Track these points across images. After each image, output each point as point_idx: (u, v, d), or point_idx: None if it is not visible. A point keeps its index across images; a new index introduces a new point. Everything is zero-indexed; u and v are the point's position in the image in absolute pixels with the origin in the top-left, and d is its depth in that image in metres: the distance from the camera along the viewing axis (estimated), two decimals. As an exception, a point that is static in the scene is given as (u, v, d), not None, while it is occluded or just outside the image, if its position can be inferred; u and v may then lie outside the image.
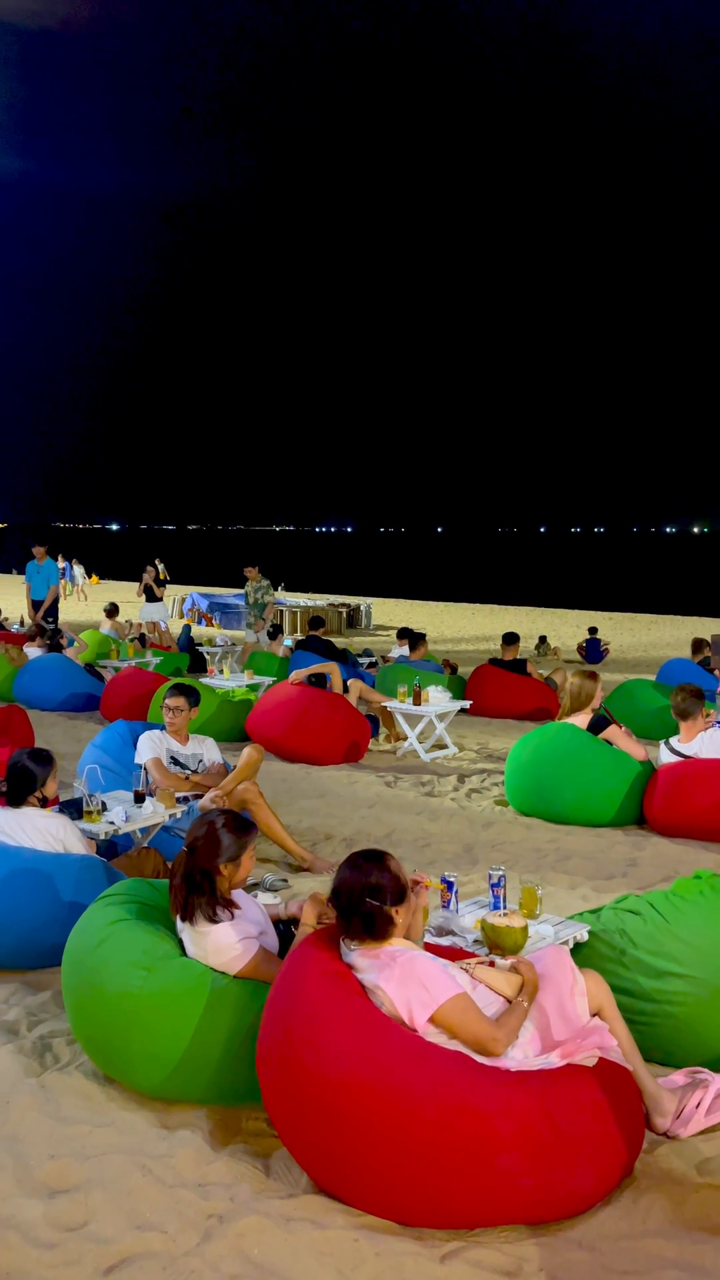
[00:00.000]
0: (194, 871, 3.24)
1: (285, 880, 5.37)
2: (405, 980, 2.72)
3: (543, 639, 18.03)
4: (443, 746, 9.01)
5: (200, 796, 5.74)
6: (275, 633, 14.06)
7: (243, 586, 15.08)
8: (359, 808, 6.98)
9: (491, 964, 3.10)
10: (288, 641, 13.52)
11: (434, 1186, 2.51)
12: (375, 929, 2.84)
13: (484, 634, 21.21)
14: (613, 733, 6.61)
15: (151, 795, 5.44)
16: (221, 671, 11.33)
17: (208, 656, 13.91)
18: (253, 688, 10.54)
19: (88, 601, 28.97)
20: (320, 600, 24.85)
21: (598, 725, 6.61)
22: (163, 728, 6.19)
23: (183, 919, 3.26)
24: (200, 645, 15.49)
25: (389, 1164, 2.51)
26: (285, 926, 3.51)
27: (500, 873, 3.92)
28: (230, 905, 3.28)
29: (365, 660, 13.18)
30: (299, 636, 14.85)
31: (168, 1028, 3.07)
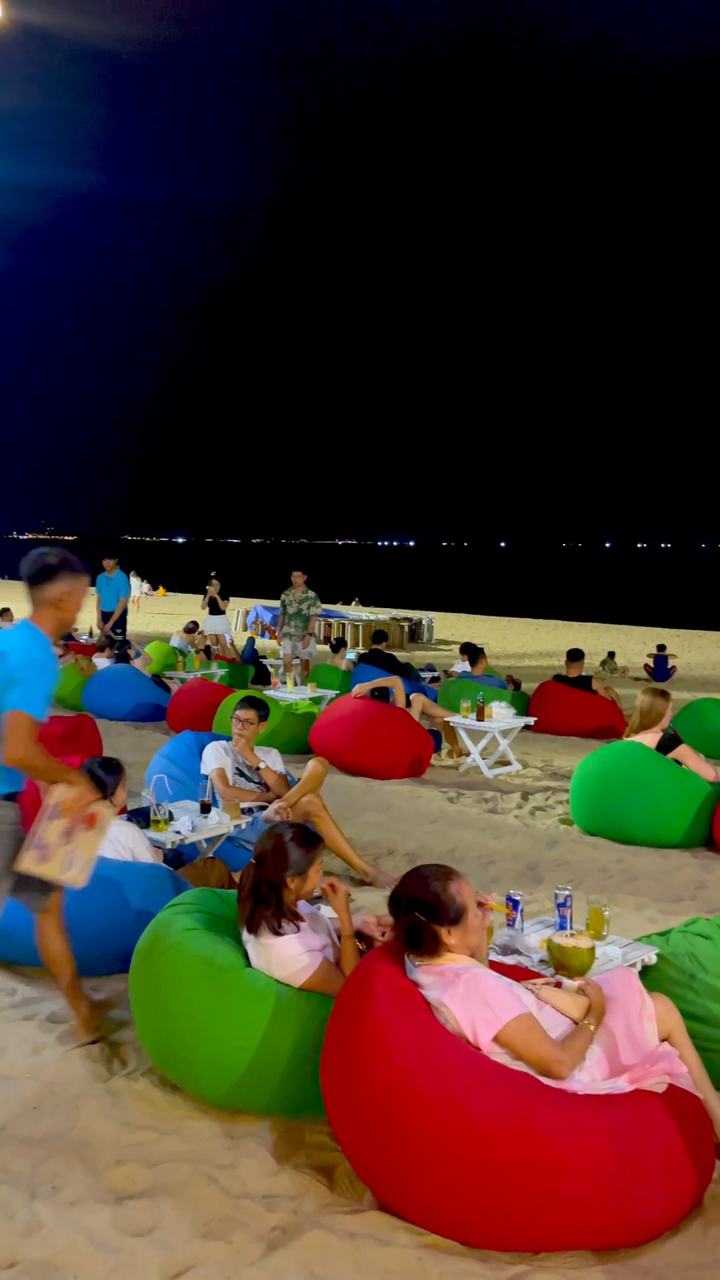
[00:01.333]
0: (261, 884, 3.27)
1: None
2: (469, 998, 2.71)
3: (610, 655, 17.80)
4: (506, 763, 8.95)
5: (265, 808, 5.79)
6: (338, 646, 14.12)
7: (297, 592, 13.36)
8: (421, 823, 6.96)
9: (558, 985, 3.07)
10: (350, 655, 13.56)
11: (499, 1208, 2.48)
12: (421, 943, 2.84)
13: (547, 650, 21.02)
14: (682, 752, 6.49)
15: (217, 805, 5.49)
16: (285, 684, 11.41)
17: (271, 669, 14.01)
18: (316, 701, 10.59)
19: (138, 610, 29.29)
20: (383, 614, 24.88)
21: (667, 744, 6.50)
22: (228, 739, 6.26)
23: (249, 931, 3.29)
24: (264, 658, 15.61)
25: (454, 1184, 2.50)
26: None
27: (567, 892, 3.88)
28: (296, 918, 3.30)
29: (428, 675, 13.16)
30: (361, 650, 14.87)
31: (233, 1038, 3.10)
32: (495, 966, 3.30)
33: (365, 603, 30.72)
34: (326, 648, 15.45)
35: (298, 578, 13.34)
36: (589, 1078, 2.75)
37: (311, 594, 13.45)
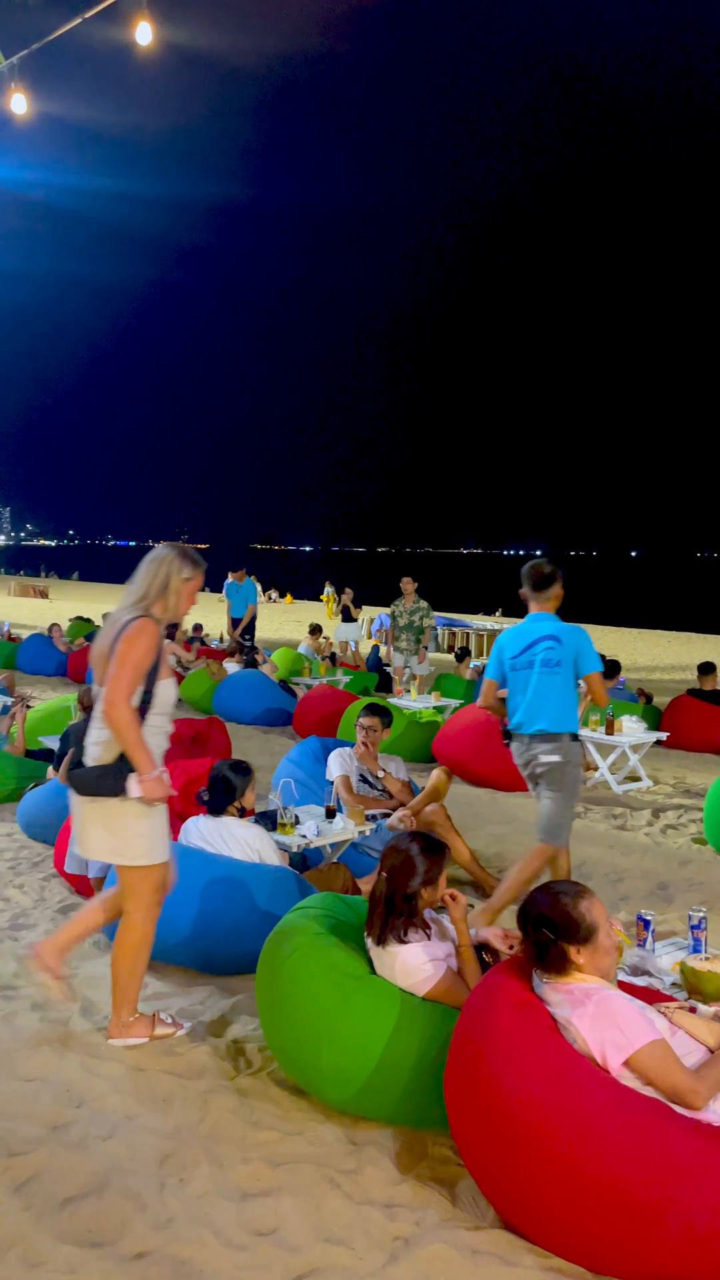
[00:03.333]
0: (396, 895, 3.27)
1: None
2: (599, 1019, 2.64)
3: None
4: (636, 779, 8.71)
5: (388, 815, 5.80)
6: (463, 655, 14.03)
7: (408, 602, 12.33)
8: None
9: (692, 1010, 2.96)
10: (475, 664, 13.47)
11: (625, 1237, 2.40)
12: (546, 960, 2.79)
13: (680, 663, 20.37)
14: None
15: (342, 811, 5.54)
16: (409, 692, 11.42)
17: (394, 676, 14.05)
18: (439, 710, 10.56)
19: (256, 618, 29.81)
20: (509, 624, 24.65)
21: None
22: (353, 745, 6.30)
23: (378, 941, 3.30)
24: (388, 665, 15.67)
25: (581, 1209, 2.43)
26: (478, 952, 3.48)
27: (701, 914, 3.74)
28: (424, 926, 3.29)
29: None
30: (486, 660, 14.75)
31: (356, 1044, 3.10)
32: (625, 987, 3.21)
33: (489, 611, 30.47)
34: (444, 658, 15.27)
35: (408, 585, 12.33)
36: (725, 1109, 2.64)
37: (424, 604, 12.38)
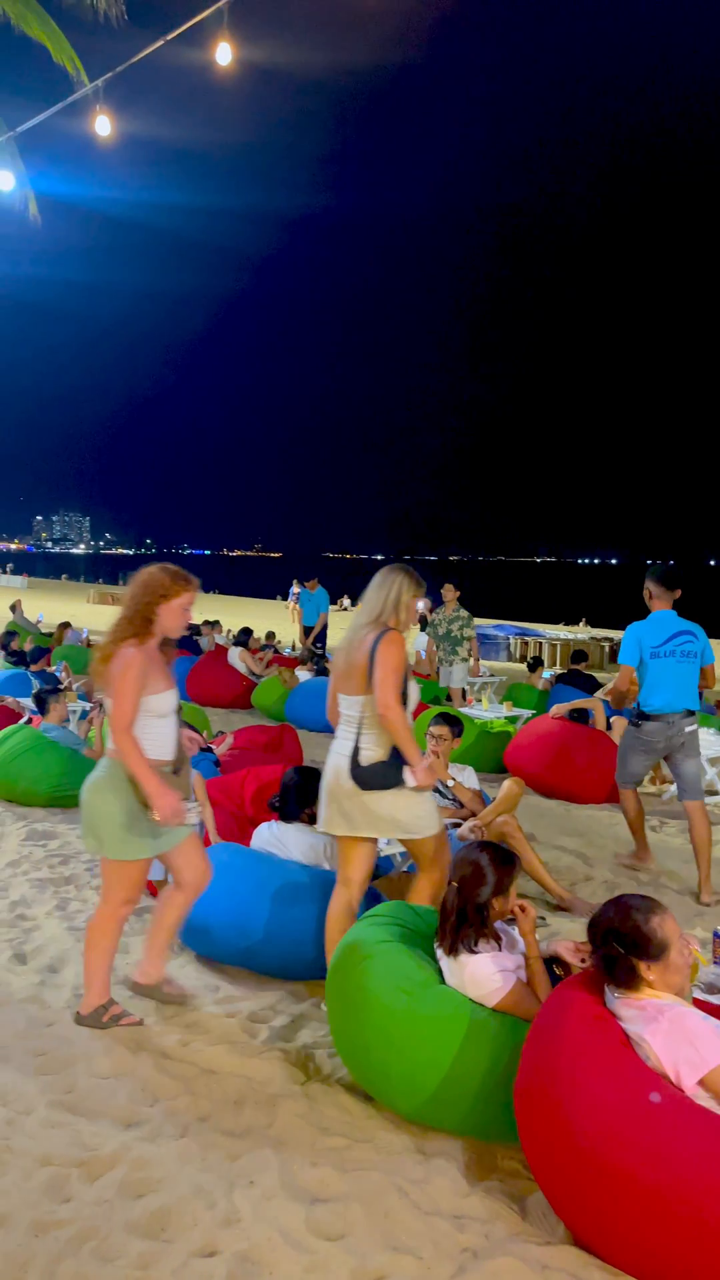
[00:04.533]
0: (467, 905, 3.27)
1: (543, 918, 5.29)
2: (673, 1036, 2.60)
3: None
4: (713, 792, 8.52)
5: (459, 825, 5.78)
6: (535, 665, 13.91)
7: (448, 610, 11.76)
8: (620, 849, 6.74)
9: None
10: (547, 674, 13.34)
11: (699, 1259, 2.35)
12: (617, 975, 2.75)
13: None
14: None
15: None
16: (480, 702, 11.36)
17: (466, 686, 13.99)
18: (511, 720, 10.48)
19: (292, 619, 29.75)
20: (582, 634, 24.34)
21: None
22: (424, 754, 6.29)
23: (448, 951, 3.29)
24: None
25: (654, 1229, 2.39)
26: (549, 964, 3.45)
27: (780, 932, 3.65)
28: (494, 937, 3.28)
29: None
30: (559, 670, 14.59)
31: (426, 1054, 3.10)
32: (700, 1005, 3.15)
33: (562, 621, 30.10)
34: (515, 667, 15.00)
35: (449, 593, 11.72)
36: None
37: (463, 613, 11.73)
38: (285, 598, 31.67)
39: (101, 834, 3.74)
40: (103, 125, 6.62)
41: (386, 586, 4.10)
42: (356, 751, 4.02)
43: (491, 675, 15.07)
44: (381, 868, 5.42)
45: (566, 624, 28.31)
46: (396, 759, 3.99)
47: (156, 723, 3.76)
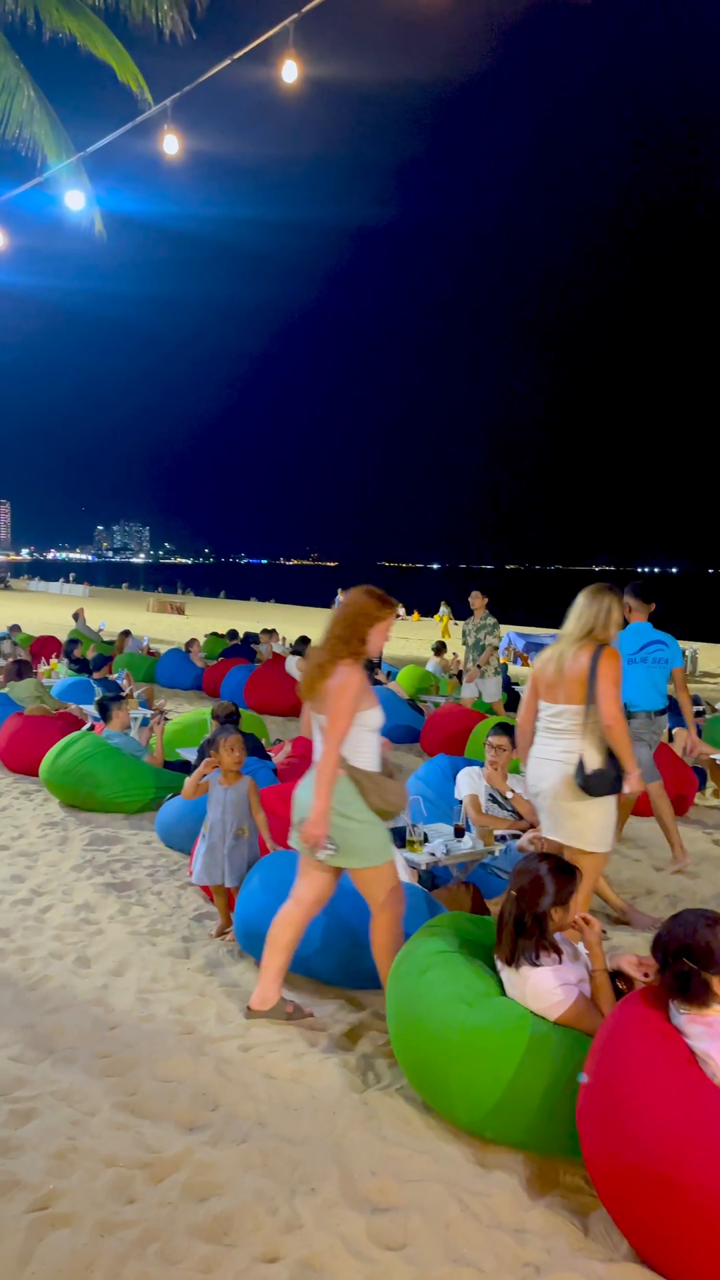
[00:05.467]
0: (525, 915, 3.25)
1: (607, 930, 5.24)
2: (740, 1054, 2.56)
3: None
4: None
5: (518, 836, 5.74)
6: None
7: (475, 618, 11.21)
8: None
9: None
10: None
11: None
12: (689, 992, 2.71)
13: None
14: None
15: (471, 830, 5.52)
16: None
17: (503, 696, 13.88)
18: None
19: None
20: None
21: None
22: (482, 765, 6.27)
23: (508, 962, 3.28)
24: (516, 684, 15.52)
25: (717, 1246, 2.36)
26: (611, 979, 3.41)
27: None
28: (555, 949, 3.25)
29: (693, 709, 12.54)
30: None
31: (486, 1066, 3.08)
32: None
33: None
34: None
35: (476, 601, 11.15)
36: None
37: (490, 620, 11.16)
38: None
39: (356, 847, 3.84)
40: (171, 144, 6.75)
41: (597, 604, 4.47)
42: (582, 758, 4.32)
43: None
44: (439, 878, 5.42)
45: None
46: (614, 767, 4.31)
47: (369, 736, 3.90)
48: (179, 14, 10.96)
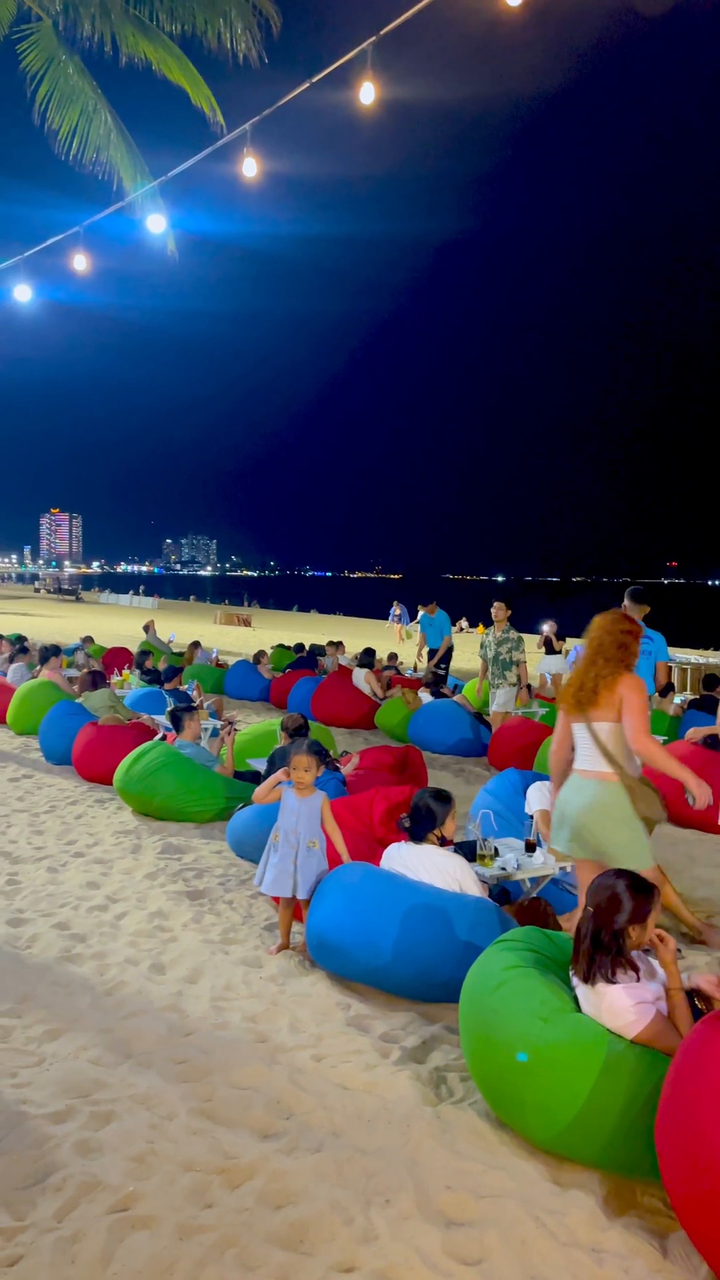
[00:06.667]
0: (602, 931, 3.23)
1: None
2: None
3: None
4: None
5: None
6: (667, 690, 13.55)
7: (497, 630, 10.72)
8: (759, 883, 6.50)
9: None
10: (679, 700, 12.98)
11: None
12: None
13: None
14: None
15: (542, 845, 5.48)
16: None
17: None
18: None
19: (414, 644, 29.59)
20: (715, 658, 23.56)
21: None
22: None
23: (584, 979, 3.25)
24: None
25: None
26: (689, 998, 3.36)
27: None
28: (632, 967, 3.22)
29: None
30: (691, 695, 14.17)
31: (562, 1083, 3.06)
32: None
33: (693, 644, 29.22)
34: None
35: (499, 613, 10.61)
36: None
37: (513, 634, 10.62)
38: (402, 620, 31.94)
39: (627, 854, 4.24)
40: (250, 167, 6.88)
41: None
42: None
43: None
44: (511, 893, 5.39)
45: (699, 648, 27.47)
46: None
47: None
48: (253, 38, 11.16)
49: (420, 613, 15.01)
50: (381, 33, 4.95)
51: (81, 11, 11.67)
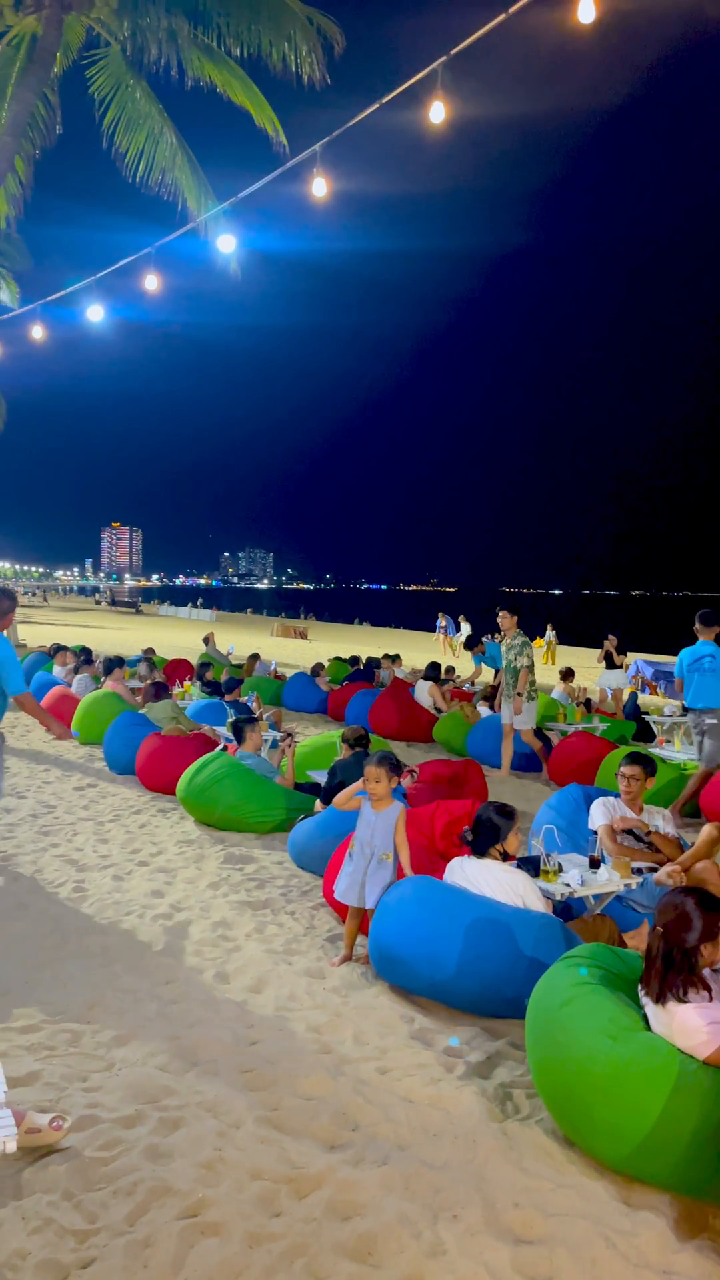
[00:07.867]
0: (674, 950, 3.19)
1: None
2: None
3: None
4: None
5: (655, 869, 5.61)
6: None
7: (506, 639, 10.49)
8: None
9: None
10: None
11: None
12: None
13: None
14: None
15: (606, 861, 5.42)
16: (671, 742, 10.97)
17: (655, 726, 13.54)
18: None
19: (456, 657, 29.39)
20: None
21: None
22: (616, 795, 6.15)
23: (656, 999, 3.22)
24: (646, 714, 15.15)
25: None
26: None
27: None
28: (704, 986, 3.17)
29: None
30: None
31: (631, 1103, 3.02)
32: None
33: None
34: (669, 709, 14.18)
35: (506, 620, 10.30)
36: None
37: (520, 639, 10.27)
38: (449, 632, 31.87)
39: None
40: (319, 187, 6.99)
41: None
42: None
43: (684, 714, 14.50)
44: (575, 909, 5.34)
45: None
46: None
47: None
48: (316, 60, 11.32)
49: (446, 620, 14.95)
50: (452, 52, 5.00)
51: (149, 36, 11.94)
